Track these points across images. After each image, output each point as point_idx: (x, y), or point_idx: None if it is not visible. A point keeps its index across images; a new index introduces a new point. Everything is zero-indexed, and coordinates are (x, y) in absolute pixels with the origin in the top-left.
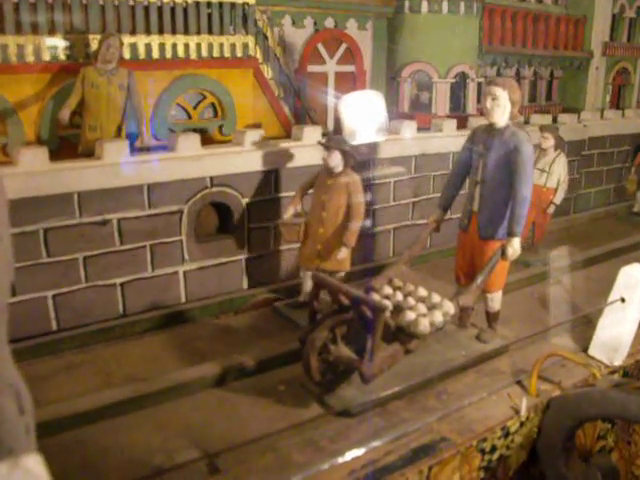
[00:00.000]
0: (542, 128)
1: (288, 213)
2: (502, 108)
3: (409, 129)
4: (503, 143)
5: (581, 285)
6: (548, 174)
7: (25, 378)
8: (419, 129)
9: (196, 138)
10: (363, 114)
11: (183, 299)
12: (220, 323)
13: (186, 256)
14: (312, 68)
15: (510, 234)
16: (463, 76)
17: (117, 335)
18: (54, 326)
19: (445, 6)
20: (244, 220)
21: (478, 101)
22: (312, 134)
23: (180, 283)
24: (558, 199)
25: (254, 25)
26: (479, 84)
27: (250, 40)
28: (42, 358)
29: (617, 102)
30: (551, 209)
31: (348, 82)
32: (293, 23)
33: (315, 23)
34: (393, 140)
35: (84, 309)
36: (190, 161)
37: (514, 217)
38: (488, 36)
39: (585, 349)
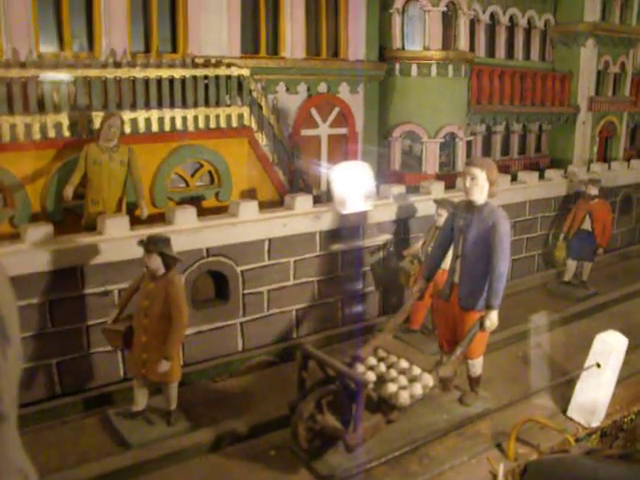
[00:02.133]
0: (437, 203)
1: (110, 317)
2: (480, 187)
3: (397, 193)
4: (482, 220)
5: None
6: None
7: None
8: (410, 188)
9: (192, 212)
10: (351, 185)
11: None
12: (217, 387)
13: None
14: (306, 132)
15: (488, 307)
16: (452, 136)
17: (118, 399)
18: (58, 391)
19: (434, 69)
20: (239, 286)
21: (468, 156)
22: (304, 203)
23: None
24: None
25: (249, 95)
26: (468, 142)
27: (245, 110)
28: (47, 423)
29: (604, 153)
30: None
31: (341, 144)
32: (287, 90)
33: (308, 89)
34: (382, 205)
35: (87, 375)
36: (187, 234)
37: (492, 291)
38: (477, 96)
39: (565, 410)
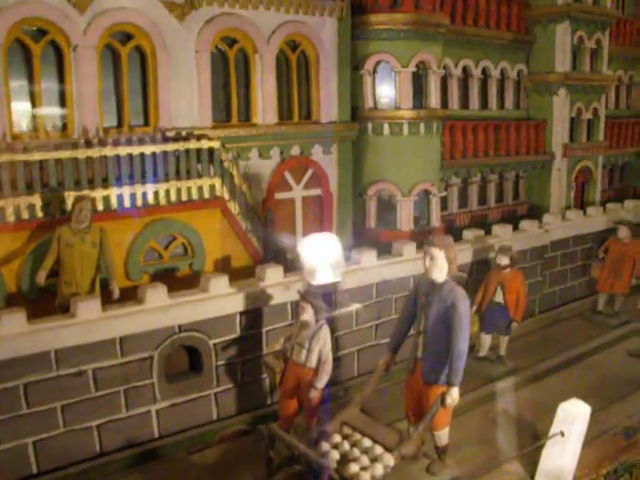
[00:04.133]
0: (302, 295)
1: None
2: (439, 267)
3: (369, 258)
4: (442, 299)
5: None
6: (308, 351)
7: None
8: (385, 244)
9: (163, 290)
10: (321, 255)
11: (156, 434)
12: (191, 460)
13: (158, 395)
14: (280, 195)
15: (449, 384)
16: (426, 192)
17: (94, 476)
18: (34, 470)
19: (405, 128)
20: (212, 358)
21: (445, 208)
22: (274, 274)
23: (153, 420)
24: (320, 383)
25: (220, 166)
26: (442, 198)
27: (216, 181)
28: None
29: (581, 198)
30: (313, 393)
31: (315, 205)
32: (260, 155)
33: (281, 152)
34: (354, 271)
35: (63, 452)
36: (159, 312)
37: (452, 369)
38: (450, 151)
39: (532, 475)
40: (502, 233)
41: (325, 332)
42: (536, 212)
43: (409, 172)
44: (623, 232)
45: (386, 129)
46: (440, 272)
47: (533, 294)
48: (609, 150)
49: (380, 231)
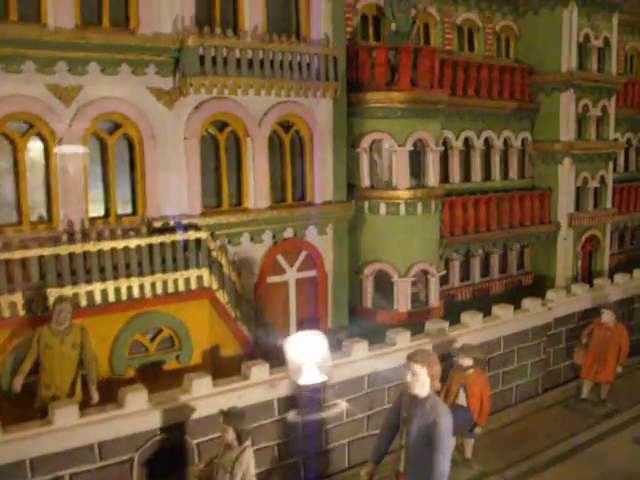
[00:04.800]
0: (224, 416)
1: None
2: (421, 383)
3: (360, 351)
4: (423, 415)
5: None
6: (231, 475)
7: None
8: (381, 325)
9: (144, 393)
10: (307, 354)
11: None
12: None
13: None
14: (272, 279)
15: None
16: (424, 273)
17: None
18: None
19: (402, 208)
20: (195, 457)
21: (445, 282)
22: (260, 372)
23: None
24: None
25: (208, 256)
26: (441, 277)
27: (204, 272)
28: None
29: (589, 267)
30: None
31: (310, 287)
32: (252, 239)
33: (274, 236)
34: (343, 364)
35: None
36: (139, 415)
37: None
38: (450, 227)
39: None
40: (503, 314)
41: (248, 456)
42: (542, 283)
43: (406, 252)
44: (607, 317)
45: (382, 209)
46: (422, 387)
47: (536, 373)
48: (619, 215)
49: (377, 312)
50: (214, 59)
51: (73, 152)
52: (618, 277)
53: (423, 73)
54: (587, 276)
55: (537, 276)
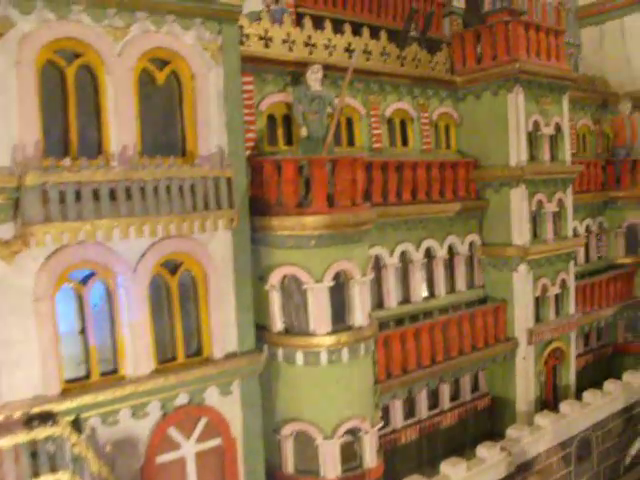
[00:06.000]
0: None
1: None
2: None
3: None
4: None
5: None
6: None
7: None
8: None
9: None
10: None
11: None
12: None
13: None
14: (163, 458)
15: None
16: (356, 431)
17: None
18: None
19: (324, 357)
20: None
21: (386, 424)
22: None
23: None
24: None
25: (70, 454)
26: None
27: (64, 476)
28: None
29: (553, 384)
30: None
31: (215, 459)
32: (133, 415)
33: (162, 406)
34: None
35: None
36: None
37: None
38: (386, 368)
39: None
40: (454, 475)
41: None
42: (501, 408)
43: (331, 408)
44: None
45: (300, 358)
46: None
47: None
48: (583, 319)
49: (299, 479)
50: (63, 198)
51: None
52: (587, 396)
53: (343, 189)
54: (552, 394)
55: (495, 398)
